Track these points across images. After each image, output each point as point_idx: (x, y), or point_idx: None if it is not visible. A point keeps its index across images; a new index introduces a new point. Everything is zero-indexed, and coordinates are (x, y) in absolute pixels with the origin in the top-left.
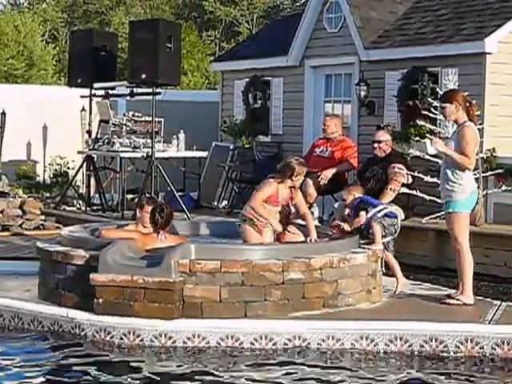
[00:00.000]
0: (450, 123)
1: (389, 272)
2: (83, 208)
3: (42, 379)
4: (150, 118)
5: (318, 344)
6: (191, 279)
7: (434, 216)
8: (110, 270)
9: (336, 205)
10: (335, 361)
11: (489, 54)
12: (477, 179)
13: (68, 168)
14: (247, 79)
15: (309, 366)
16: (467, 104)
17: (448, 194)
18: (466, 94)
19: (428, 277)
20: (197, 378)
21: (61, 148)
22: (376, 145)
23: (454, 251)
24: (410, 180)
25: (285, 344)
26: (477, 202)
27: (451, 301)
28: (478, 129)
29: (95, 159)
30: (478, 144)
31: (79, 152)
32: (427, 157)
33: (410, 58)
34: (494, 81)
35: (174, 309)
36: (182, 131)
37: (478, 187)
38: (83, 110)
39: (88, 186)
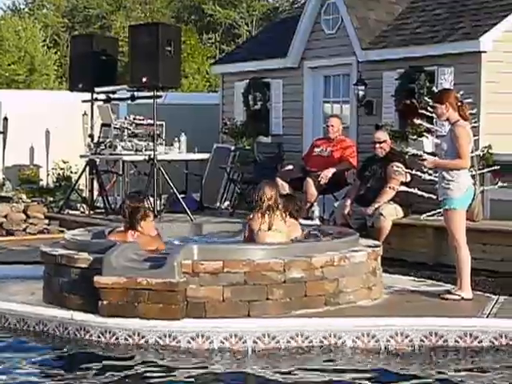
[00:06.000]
0: (446, 122)
1: None
2: (87, 211)
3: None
4: (152, 121)
5: (321, 342)
6: (194, 280)
7: (432, 213)
8: (114, 272)
9: (336, 204)
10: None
11: (484, 52)
12: (473, 176)
13: (71, 172)
14: (247, 81)
15: (312, 363)
16: (458, 103)
17: (444, 192)
18: (460, 93)
19: (427, 273)
20: (202, 378)
21: (63, 152)
22: (378, 145)
23: (451, 247)
24: (409, 178)
25: (287, 342)
26: (473, 199)
27: (450, 296)
28: (474, 127)
29: (98, 163)
30: (471, 142)
31: (82, 156)
32: (425, 155)
33: (406, 58)
34: (489, 79)
35: (177, 309)
36: (183, 134)
37: (475, 184)
38: (85, 114)
39: (91, 190)
